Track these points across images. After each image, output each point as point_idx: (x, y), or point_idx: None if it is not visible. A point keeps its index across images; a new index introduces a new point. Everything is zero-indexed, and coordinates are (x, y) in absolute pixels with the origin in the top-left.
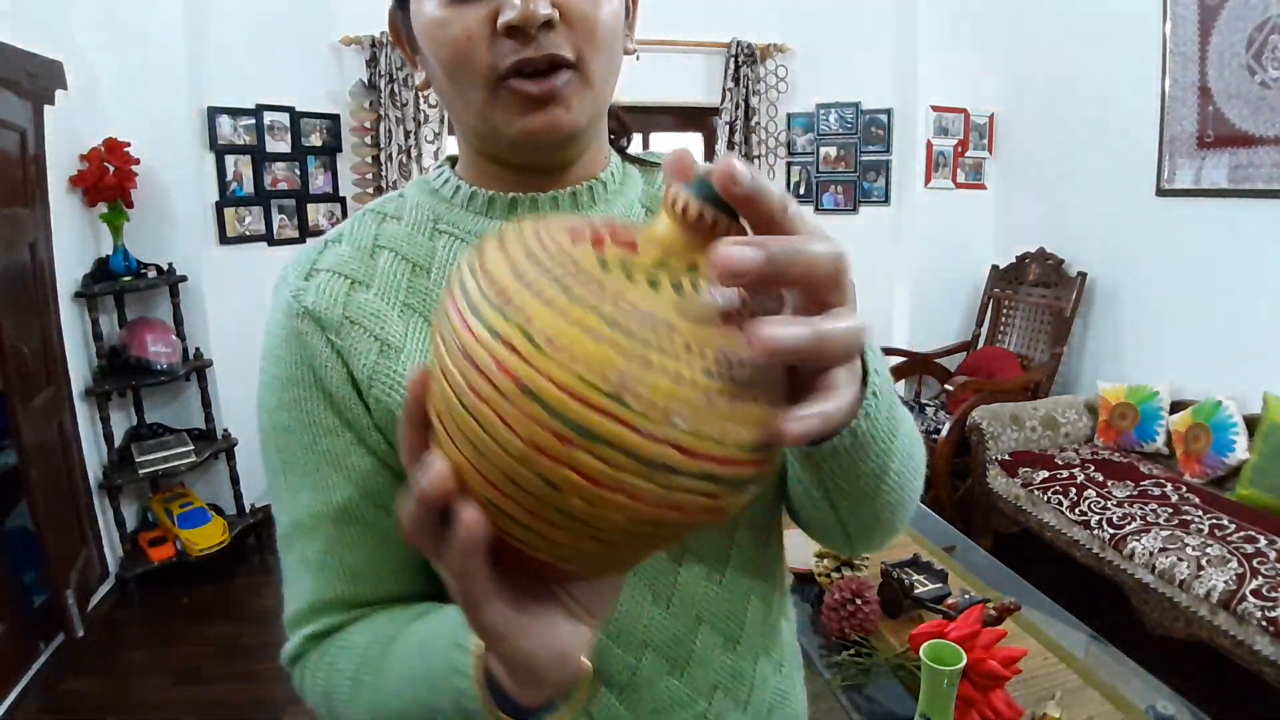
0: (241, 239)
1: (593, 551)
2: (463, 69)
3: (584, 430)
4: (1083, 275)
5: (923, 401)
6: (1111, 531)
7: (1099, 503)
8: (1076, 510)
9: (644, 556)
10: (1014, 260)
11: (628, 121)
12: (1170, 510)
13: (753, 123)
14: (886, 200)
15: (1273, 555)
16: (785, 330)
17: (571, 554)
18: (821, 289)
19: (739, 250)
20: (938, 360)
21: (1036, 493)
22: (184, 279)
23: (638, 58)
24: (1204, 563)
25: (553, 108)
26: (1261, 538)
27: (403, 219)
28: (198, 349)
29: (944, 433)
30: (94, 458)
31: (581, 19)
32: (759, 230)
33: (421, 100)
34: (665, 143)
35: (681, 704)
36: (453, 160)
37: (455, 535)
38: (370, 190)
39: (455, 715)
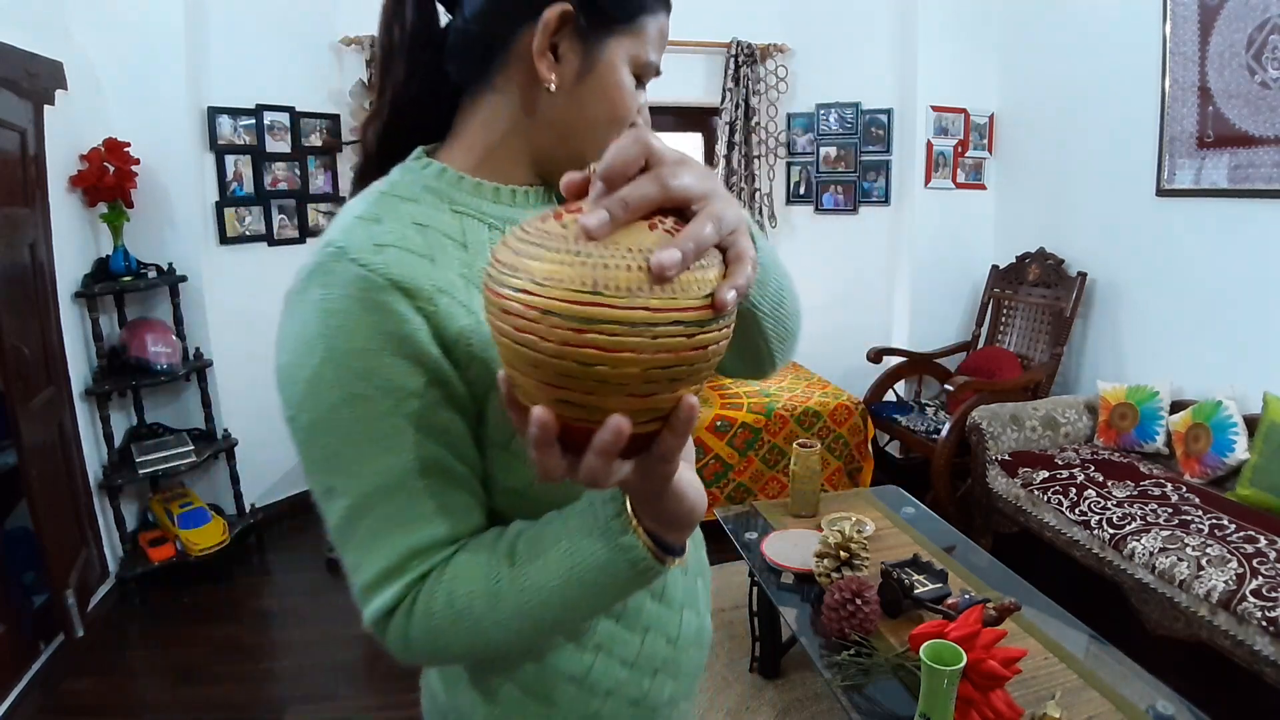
0: (241, 239)
1: (638, 406)
2: (620, 121)
3: (585, 319)
4: (1083, 275)
5: (923, 401)
6: (1111, 531)
7: (1099, 503)
8: (1076, 510)
9: (673, 398)
10: (1014, 260)
11: None
12: (1170, 510)
13: (753, 123)
14: (886, 200)
15: (1273, 555)
16: (668, 254)
17: (629, 413)
18: (685, 202)
19: (596, 206)
20: (938, 360)
21: (1036, 493)
22: (184, 279)
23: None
24: (1204, 563)
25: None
26: (1261, 538)
27: (418, 201)
28: (198, 349)
29: (944, 433)
30: (94, 458)
31: None
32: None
33: None
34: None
35: (664, 621)
36: (427, 153)
37: (595, 445)
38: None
39: (619, 574)
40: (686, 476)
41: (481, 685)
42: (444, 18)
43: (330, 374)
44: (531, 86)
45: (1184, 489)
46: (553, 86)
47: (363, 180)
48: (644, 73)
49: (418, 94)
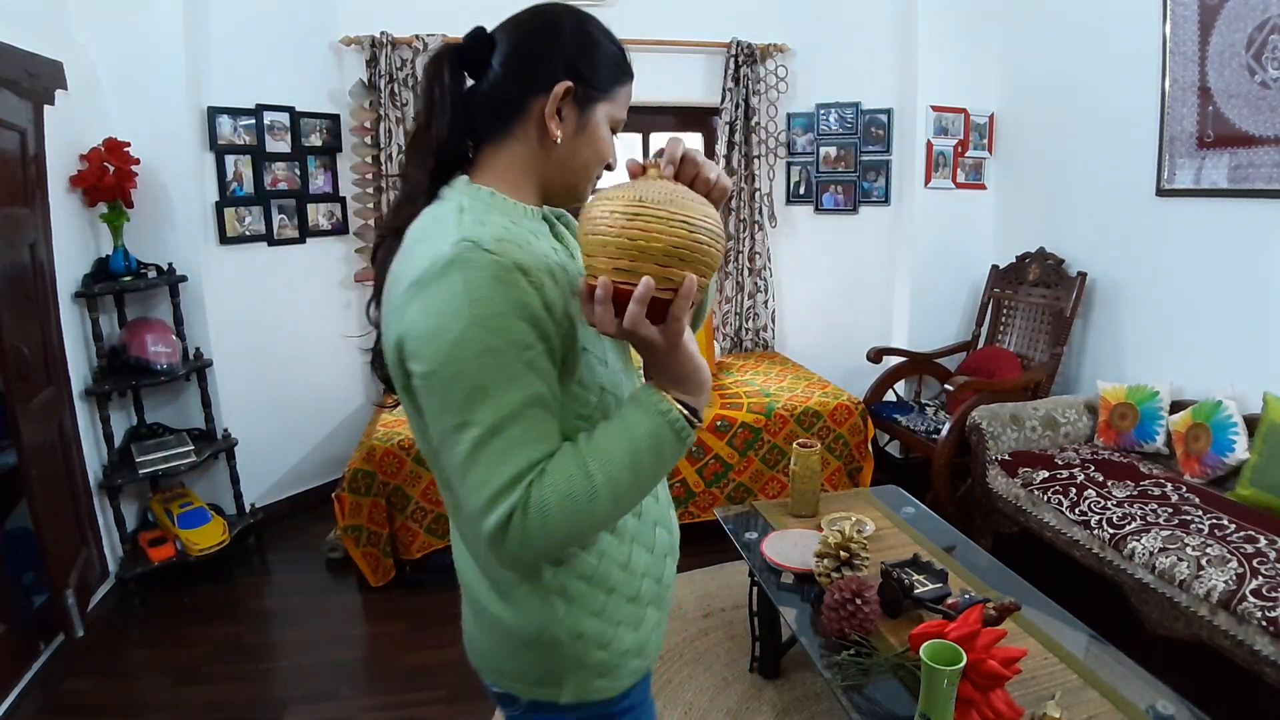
0: (241, 239)
1: (660, 274)
2: (597, 166)
3: (633, 214)
4: (1083, 275)
5: (923, 401)
6: (1111, 531)
7: (1099, 503)
8: (1076, 510)
9: (681, 273)
10: (1014, 260)
11: None
12: (1170, 510)
13: (753, 123)
14: (886, 200)
15: (1273, 555)
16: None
17: (655, 278)
18: (696, 167)
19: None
20: (938, 360)
21: (1036, 493)
22: (184, 279)
23: None
24: (1204, 563)
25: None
26: (1261, 538)
27: (486, 223)
28: (198, 349)
29: (944, 433)
30: (94, 458)
31: None
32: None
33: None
34: (665, 142)
35: (662, 516)
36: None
37: (635, 295)
38: (370, 190)
39: (663, 434)
40: (690, 346)
41: (560, 593)
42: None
43: (474, 333)
44: (542, 138)
45: (1184, 489)
46: (559, 141)
47: (410, 204)
48: (617, 127)
49: (449, 138)
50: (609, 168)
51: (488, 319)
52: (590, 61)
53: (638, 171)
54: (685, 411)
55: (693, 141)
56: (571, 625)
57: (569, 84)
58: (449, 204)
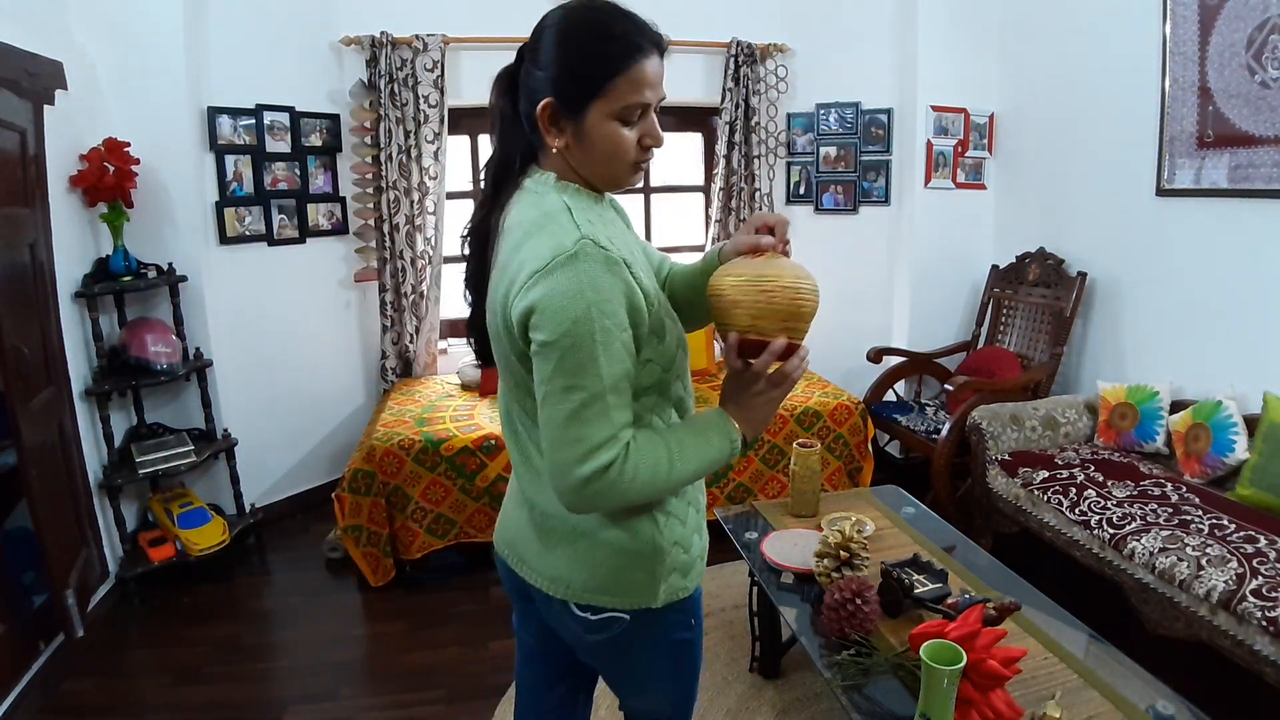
0: (241, 239)
1: (778, 329)
2: (623, 157)
3: (763, 289)
4: (1083, 275)
5: (923, 401)
6: (1111, 531)
7: (1099, 503)
8: (1076, 510)
9: (788, 330)
10: (1014, 260)
11: None
12: (1170, 510)
13: (753, 123)
14: (886, 200)
15: (1273, 555)
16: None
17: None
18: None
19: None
20: (938, 360)
21: (1036, 493)
22: (184, 279)
23: None
24: (1204, 563)
25: (643, 174)
26: (1261, 538)
27: (593, 222)
28: (198, 349)
29: (944, 433)
30: (94, 458)
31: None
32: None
33: (421, 101)
34: (665, 142)
35: (698, 487)
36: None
37: (770, 348)
38: (370, 190)
39: (723, 458)
40: (777, 396)
41: (664, 510)
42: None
43: (592, 315)
44: (573, 149)
45: (1184, 489)
46: (556, 149)
47: (494, 200)
48: (632, 114)
49: (502, 149)
50: (653, 147)
51: (602, 304)
52: (567, 72)
53: (757, 250)
54: (744, 443)
55: (693, 142)
56: (670, 533)
57: (547, 100)
58: (550, 200)
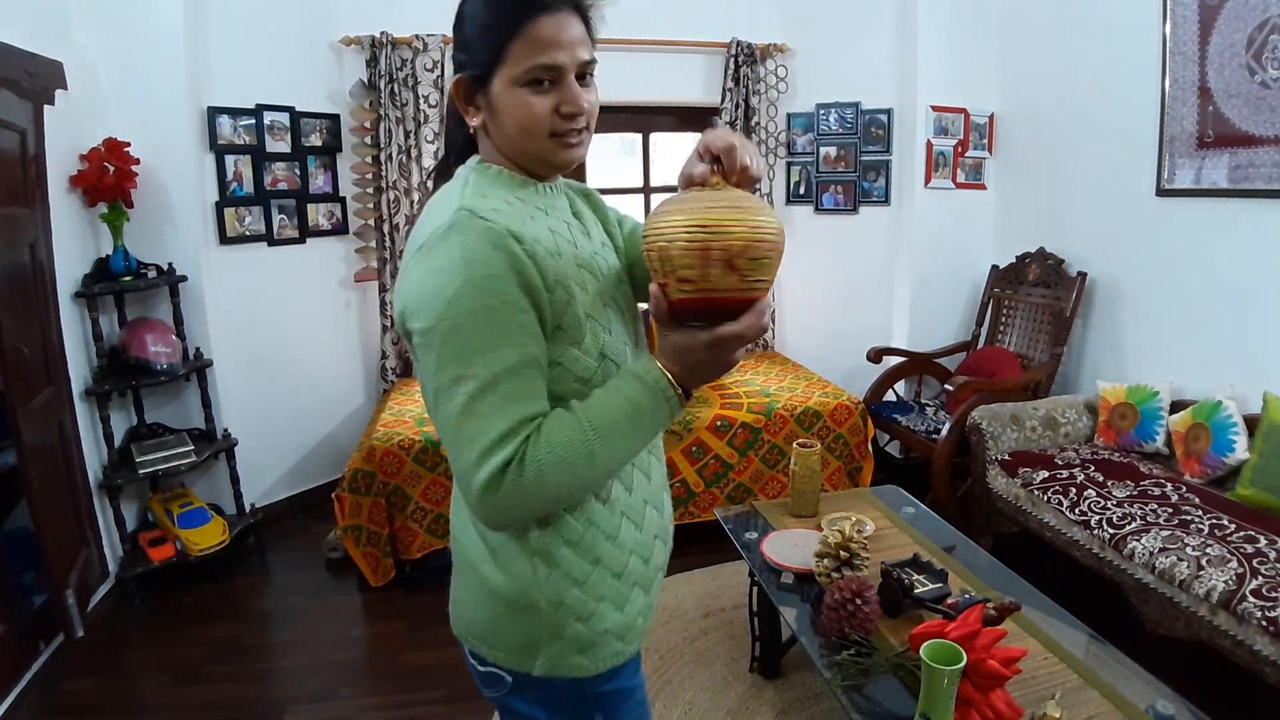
0: (241, 239)
1: (752, 279)
2: (536, 129)
3: (713, 229)
4: (1083, 275)
5: (923, 401)
6: (1111, 531)
7: (1099, 503)
8: (1076, 510)
9: (773, 273)
10: (1014, 260)
11: None
12: (1170, 510)
13: (753, 123)
14: (886, 200)
15: (1273, 555)
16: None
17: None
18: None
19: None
20: (938, 360)
21: (1036, 493)
22: (184, 279)
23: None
24: (1204, 563)
25: (578, 147)
26: (1261, 538)
27: (487, 196)
28: (198, 349)
29: (944, 433)
30: (94, 458)
31: (591, 109)
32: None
33: (421, 101)
34: (665, 142)
35: (655, 498)
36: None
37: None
38: (370, 190)
39: (652, 401)
40: (727, 365)
41: (543, 555)
42: None
43: (469, 292)
44: (490, 127)
45: (1184, 489)
46: (474, 128)
47: (435, 189)
48: (538, 78)
49: (449, 133)
50: (574, 116)
51: (483, 279)
52: (464, 45)
53: (699, 183)
54: (678, 388)
55: (693, 142)
56: (552, 591)
57: (457, 77)
58: (456, 180)
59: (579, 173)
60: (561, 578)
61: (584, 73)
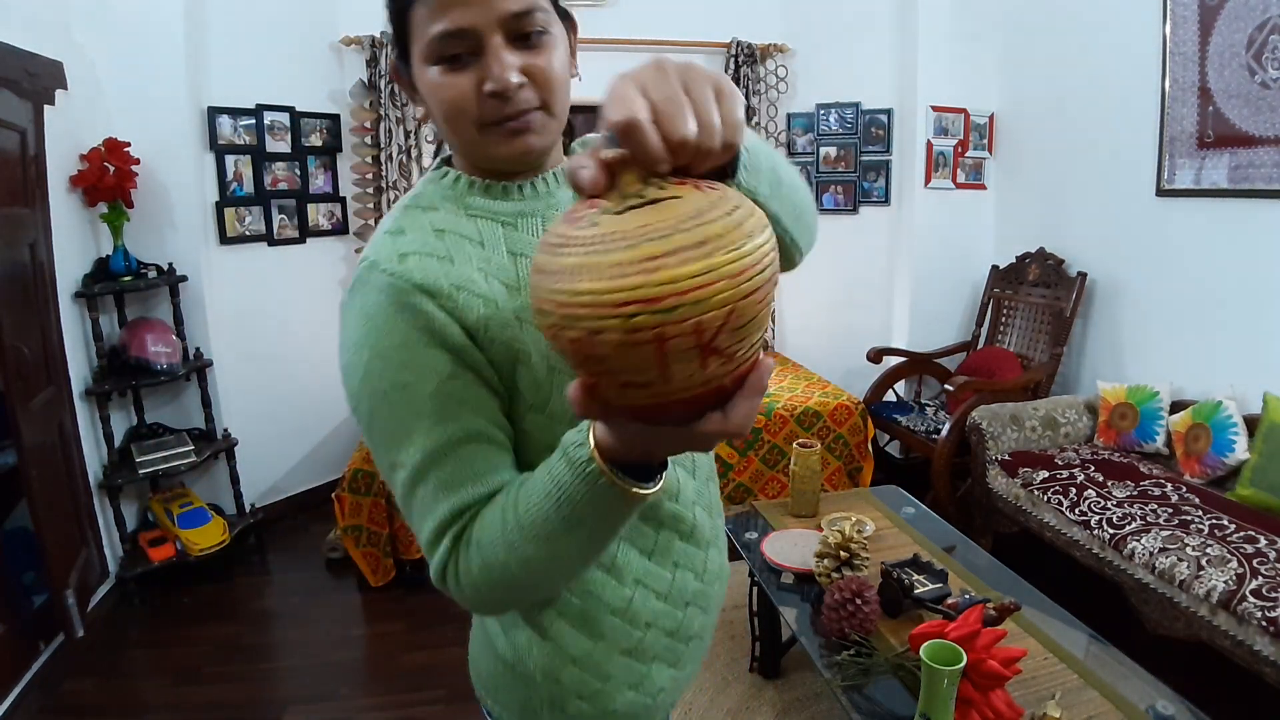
0: (241, 239)
1: (734, 345)
2: (457, 119)
3: (661, 304)
4: (1083, 275)
5: (923, 401)
6: (1111, 531)
7: (1099, 503)
8: (1076, 510)
9: (759, 334)
10: (1014, 260)
11: (574, 122)
12: (1170, 510)
13: (753, 123)
14: (886, 200)
15: (1273, 555)
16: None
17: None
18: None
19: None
20: (938, 360)
21: (1036, 493)
22: (184, 279)
23: (580, 79)
24: (1204, 563)
25: (527, 135)
26: (1261, 538)
27: (438, 209)
28: (198, 349)
29: (944, 433)
30: (94, 458)
31: (544, 77)
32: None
33: None
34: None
35: (693, 558)
36: (447, 160)
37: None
38: (370, 190)
39: (586, 492)
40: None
41: (535, 624)
42: None
43: (378, 367)
44: (431, 118)
45: (1184, 489)
46: (417, 112)
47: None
48: (457, 46)
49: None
50: (500, 94)
51: (390, 350)
52: (391, 22)
53: (598, 188)
54: (620, 479)
55: None
56: (547, 665)
57: (392, 60)
58: (400, 200)
59: None
60: (555, 653)
61: (524, 30)
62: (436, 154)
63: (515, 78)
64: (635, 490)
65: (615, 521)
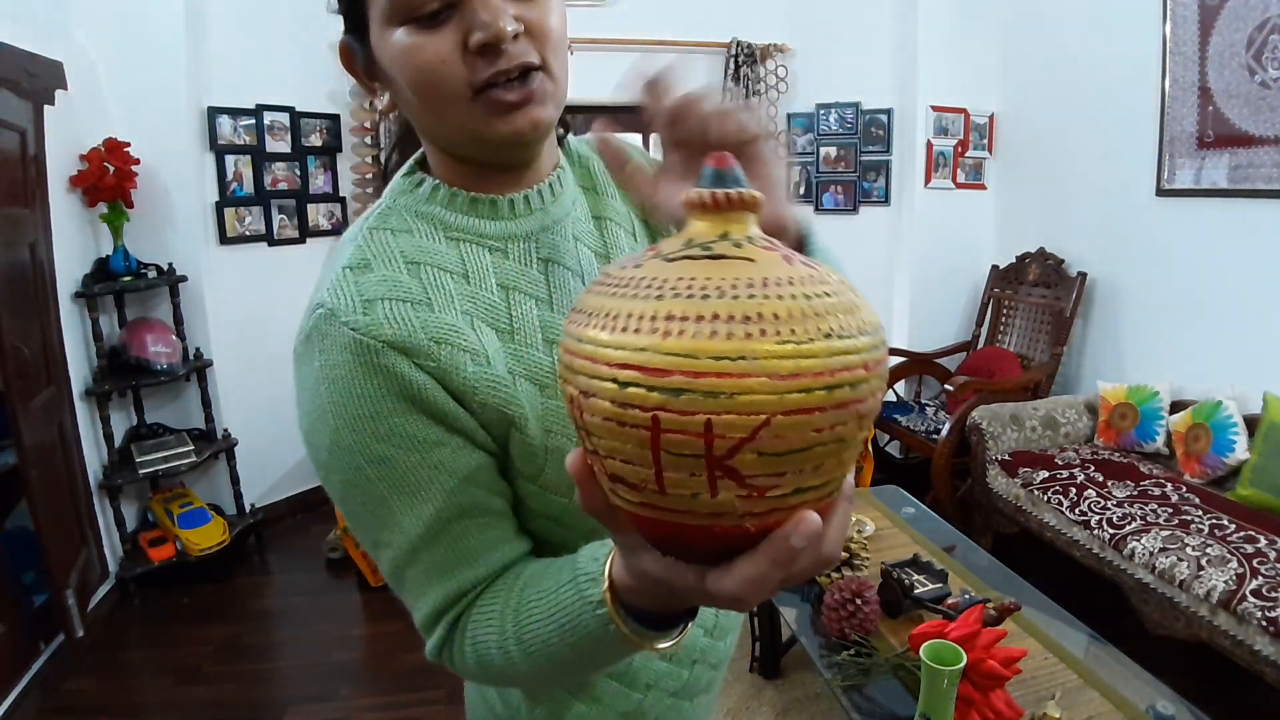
0: (241, 239)
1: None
2: (439, 87)
3: (665, 382)
4: (1083, 275)
5: (923, 401)
6: (1111, 531)
7: (1099, 503)
8: (1076, 510)
9: (855, 453)
10: (1014, 260)
11: (566, 118)
12: (1170, 510)
13: None
14: (886, 200)
15: (1273, 555)
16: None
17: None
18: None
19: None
20: (938, 360)
21: (1036, 493)
22: (184, 279)
23: (572, 52)
24: (1204, 563)
25: (531, 106)
26: (1261, 538)
27: (411, 231)
28: (198, 349)
29: (944, 433)
30: (94, 458)
31: (540, 28)
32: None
33: None
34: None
35: (701, 613)
36: (419, 163)
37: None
38: (370, 190)
39: (595, 632)
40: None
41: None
42: None
43: (349, 439)
44: (400, 104)
45: (1184, 489)
46: (378, 102)
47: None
48: (420, 7)
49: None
50: (493, 44)
51: (361, 420)
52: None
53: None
54: (635, 632)
55: None
56: (510, 713)
57: (342, 38)
58: (366, 215)
59: None
60: (549, 716)
61: None
62: (392, 151)
63: (510, 25)
64: (650, 644)
65: (626, 656)
